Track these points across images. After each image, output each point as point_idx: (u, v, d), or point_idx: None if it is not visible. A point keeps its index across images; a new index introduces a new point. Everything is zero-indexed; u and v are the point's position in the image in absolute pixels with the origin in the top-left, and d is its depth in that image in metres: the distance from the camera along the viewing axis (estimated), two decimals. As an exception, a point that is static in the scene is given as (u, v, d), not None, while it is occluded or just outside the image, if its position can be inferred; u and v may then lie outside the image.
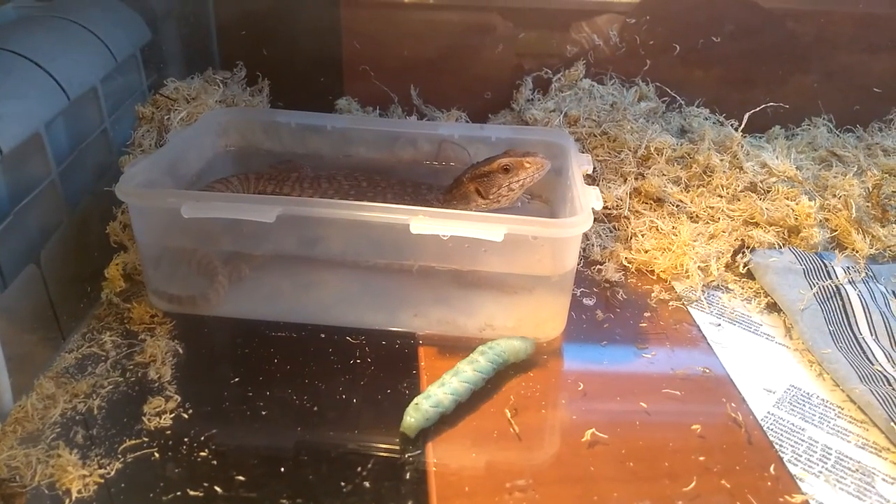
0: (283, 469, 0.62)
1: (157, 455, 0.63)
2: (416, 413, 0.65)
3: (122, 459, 0.62)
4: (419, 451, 0.64)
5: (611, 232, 0.99)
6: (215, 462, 0.63)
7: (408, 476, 0.62)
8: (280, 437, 0.67)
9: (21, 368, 0.69)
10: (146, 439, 0.65)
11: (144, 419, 0.67)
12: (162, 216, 0.78)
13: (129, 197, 0.75)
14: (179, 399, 0.69)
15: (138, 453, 0.63)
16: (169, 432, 0.65)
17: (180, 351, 0.76)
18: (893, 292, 0.87)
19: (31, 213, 0.74)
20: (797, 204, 0.97)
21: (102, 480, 0.60)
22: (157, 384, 0.71)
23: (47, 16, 0.92)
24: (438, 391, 0.67)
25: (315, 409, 0.69)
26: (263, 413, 0.68)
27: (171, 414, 0.67)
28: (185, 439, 0.65)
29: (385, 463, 0.63)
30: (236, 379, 0.73)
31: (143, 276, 0.82)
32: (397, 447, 0.65)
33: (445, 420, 0.68)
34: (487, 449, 0.65)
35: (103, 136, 0.92)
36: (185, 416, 0.67)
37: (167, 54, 1.13)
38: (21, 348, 0.70)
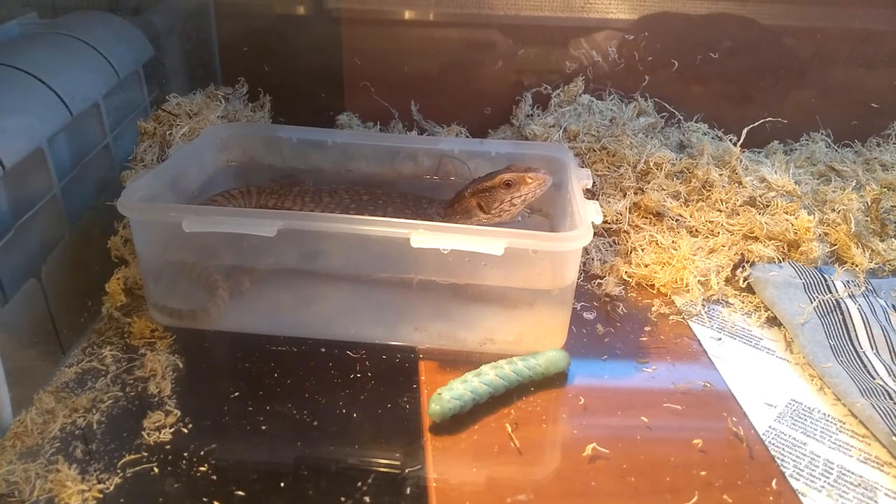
0: (282, 484, 0.62)
1: (156, 470, 0.63)
2: (439, 402, 0.68)
3: (121, 474, 0.62)
4: (419, 466, 0.64)
5: (611, 246, 1.00)
6: (215, 477, 0.62)
7: (408, 491, 0.62)
8: (280, 451, 0.66)
9: (21, 383, 0.69)
10: (146, 454, 0.64)
11: (144, 434, 0.66)
12: (163, 230, 0.78)
13: (130, 211, 0.75)
14: (179, 414, 0.69)
15: (138, 468, 0.63)
16: (168, 447, 0.65)
17: (180, 365, 0.76)
18: (893, 306, 0.87)
19: (32, 227, 0.74)
20: (796, 218, 0.97)
21: (101, 495, 0.60)
22: (156, 399, 0.71)
23: (50, 32, 0.93)
24: (463, 385, 0.69)
25: (315, 423, 0.69)
26: (263, 428, 0.68)
27: (170, 428, 0.67)
28: (185, 454, 0.64)
29: (385, 478, 0.63)
30: (236, 393, 0.73)
31: (143, 291, 0.82)
32: (398, 462, 0.65)
33: (446, 434, 0.68)
34: (488, 464, 0.65)
35: (105, 151, 0.93)
36: (185, 431, 0.67)
37: (169, 70, 1.14)
38: (21, 362, 0.70)
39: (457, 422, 0.69)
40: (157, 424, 0.67)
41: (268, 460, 0.66)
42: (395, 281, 0.81)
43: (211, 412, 0.70)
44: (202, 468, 0.63)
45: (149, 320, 0.81)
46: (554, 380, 0.75)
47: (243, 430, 0.68)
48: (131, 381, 0.73)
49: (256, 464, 0.65)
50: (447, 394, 0.68)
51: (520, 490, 0.62)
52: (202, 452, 0.65)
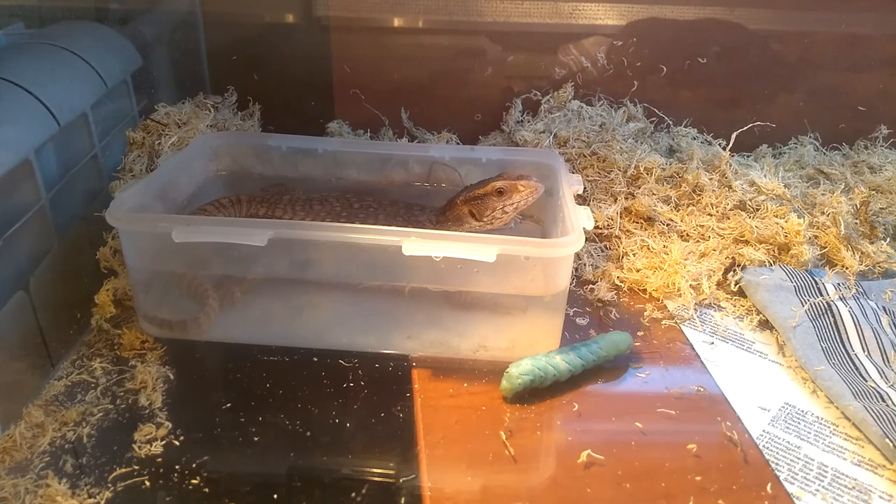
0: (276, 496, 0.61)
1: (147, 483, 0.62)
2: (509, 379, 0.72)
3: (112, 488, 0.61)
4: (414, 476, 0.64)
5: (602, 251, 1.00)
6: (207, 490, 0.62)
7: (403, 501, 0.61)
8: (273, 463, 0.66)
9: (9, 396, 0.68)
10: (137, 467, 0.64)
11: (135, 447, 0.66)
12: (152, 241, 0.78)
13: (119, 222, 0.75)
14: (170, 426, 0.68)
15: (129, 482, 0.62)
16: (160, 460, 0.65)
17: (171, 377, 0.75)
18: (884, 308, 0.88)
19: (20, 239, 0.73)
20: (786, 221, 0.97)
21: (92, 510, 0.59)
22: (147, 411, 0.70)
23: (38, 42, 0.92)
24: (532, 363, 0.73)
25: (308, 433, 0.69)
26: (256, 439, 0.68)
27: (161, 441, 0.67)
28: (177, 467, 0.64)
29: (379, 488, 0.63)
30: (228, 404, 0.72)
31: (133, 302, 0.82)
32: (392, 471, 0.64)
33: (439, 443, 0.67)
34: (482, 472, 0.65)
35: (94, 161, 0.92)
36: (177, 443, 0.67)
37: (158, 80, 1.14)
38: (10, 376, 0.69)
39: (452, 429, 0.68)
40: (148, 437, 0.67)
41: (261, 472, 0.65)
42: (387, 289, 0.80)
43: (202, 424, 0.69)
44: (194, 481, 0.62)
45: (139, 331, 0.80)
46: (547, 386, 0.75)
47: (235, 442, 0.67)
48: (122, 394, 0.73)
49: (249, 475, 0.64)
50: (515, 370, 0.72)
51: (515, 498, 0.62)
52: (194, 465, 0.64)
